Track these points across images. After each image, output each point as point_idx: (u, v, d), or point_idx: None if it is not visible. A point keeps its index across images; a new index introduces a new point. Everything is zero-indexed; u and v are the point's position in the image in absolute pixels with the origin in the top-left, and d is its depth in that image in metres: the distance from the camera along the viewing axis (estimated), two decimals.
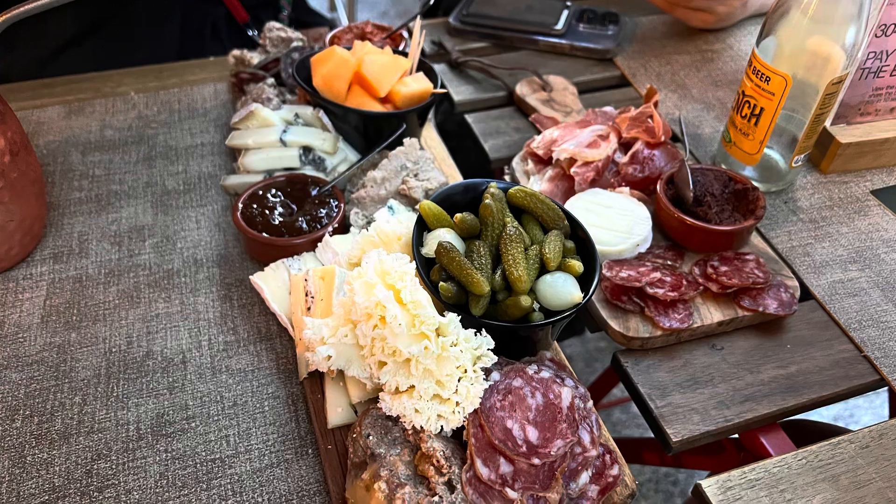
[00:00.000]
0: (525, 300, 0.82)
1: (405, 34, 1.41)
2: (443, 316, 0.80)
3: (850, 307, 1.02)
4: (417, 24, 1.20)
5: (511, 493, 0.74)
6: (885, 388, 0.94)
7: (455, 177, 1.18)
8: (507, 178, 1.21)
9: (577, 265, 0.87)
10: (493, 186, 0.93)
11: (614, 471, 0.81)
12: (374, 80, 1.10)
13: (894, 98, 1.19)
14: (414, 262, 0.84)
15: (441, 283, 0.83)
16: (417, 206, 0.92)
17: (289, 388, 0.91)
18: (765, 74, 1.07)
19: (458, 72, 1.47)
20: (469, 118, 1.35)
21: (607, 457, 0.82)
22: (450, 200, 0.94)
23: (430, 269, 0.88)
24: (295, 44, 1.33)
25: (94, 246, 1.08)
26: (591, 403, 0.84)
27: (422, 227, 0.91)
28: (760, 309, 0.97)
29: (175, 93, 1.39)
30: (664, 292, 0.96)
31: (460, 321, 0.81)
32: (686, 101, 1.39)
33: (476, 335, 0.81)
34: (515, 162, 1.20)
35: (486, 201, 0.90)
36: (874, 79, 1.16)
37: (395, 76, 1.12)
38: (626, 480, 0.81)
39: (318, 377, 0.89)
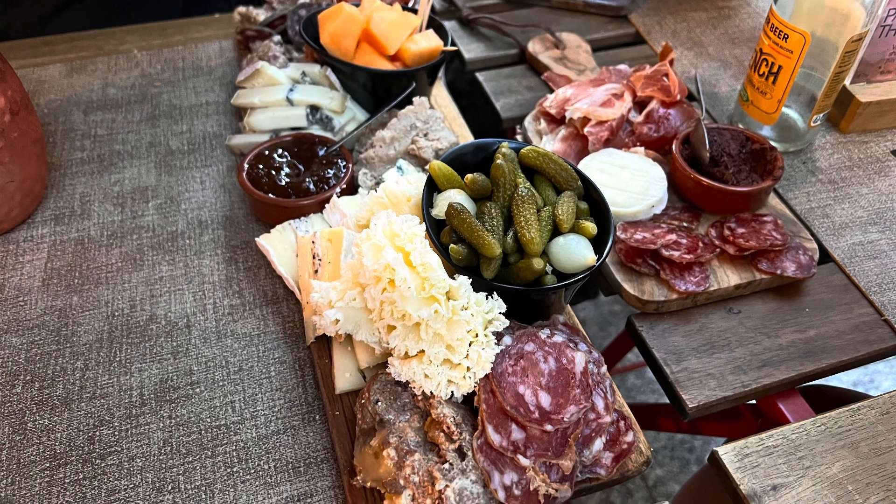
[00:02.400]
0: (537, 262, 0.78)
1: None
2: (453, 279, 0.76)
3: (870, 270, 0.98)
4: None
5: (523, 461, 0.71)
6: None
7: (466, 136, 1.14)
8: (519, 137, 1.17)
9: (591, 227, 0.83)
10: (505, 146, 0.89)
11: (629, 437, 0.78)
12: (383, 37, 1.05)
13: None
14: (424, 223, 0.80)
15: (452, 245, 0.79)
16: (427, 167, 0.88)
17: (296, 353, 0.88)
18: (783, 32, 1.01)
19: (469, 29, 1.41)
20: (480, 76, 1.30)
21: (622, 423, 0.79)
22: (460, 161, 0.90)
23: (440, 231, 0.84)
24: (302, 0, 1.28)
25: (97, 207, 1.05)
26: (605, 368, 0.81)
27: (432, 187, 0.87)
28: (778, 272, 0.94)
29: (179, 50, 1.34)
30: (680, 255, 0.93)
31: (471, 284, 0.77)
32: (702, 60, 1.33)
33: (487, 298, 0.77)
34: (528, 121, 1.16)
35: (498, 161, 0.86)
36: (895, 36, 1.11)
37: (405, 33, 1.07)
38: (641, 447, 0.79)
39: (325, 342, 0.86)
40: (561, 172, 0.88)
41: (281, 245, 0.95)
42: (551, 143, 1.09)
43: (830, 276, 0.98)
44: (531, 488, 0.71)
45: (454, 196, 0.84)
